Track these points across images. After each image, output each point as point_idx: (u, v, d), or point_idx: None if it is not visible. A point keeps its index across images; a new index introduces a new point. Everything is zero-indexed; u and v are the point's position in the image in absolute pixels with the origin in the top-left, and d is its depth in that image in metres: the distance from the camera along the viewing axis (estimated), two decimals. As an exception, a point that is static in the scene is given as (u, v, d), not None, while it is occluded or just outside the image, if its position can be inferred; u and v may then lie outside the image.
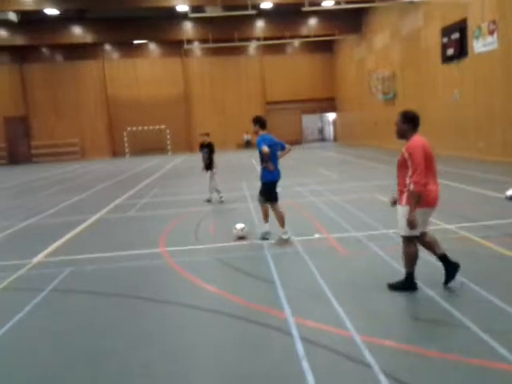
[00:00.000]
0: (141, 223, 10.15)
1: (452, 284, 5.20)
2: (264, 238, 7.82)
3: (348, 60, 36.75)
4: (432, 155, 5.00)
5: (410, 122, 5.00)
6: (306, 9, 24.14)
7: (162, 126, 39.40)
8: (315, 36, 33.32)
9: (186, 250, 7.59)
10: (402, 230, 5.03)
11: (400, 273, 5.40)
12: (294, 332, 4.34)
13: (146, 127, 39.17)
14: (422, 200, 4.83)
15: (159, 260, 7.09)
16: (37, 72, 38.25)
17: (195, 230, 8.99)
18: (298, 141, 41.12)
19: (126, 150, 38.98)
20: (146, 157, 36.14)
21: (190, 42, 34.86)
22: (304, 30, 33.16)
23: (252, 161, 25.04)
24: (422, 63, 23.51)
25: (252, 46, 39.39)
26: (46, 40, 32.53)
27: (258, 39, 35.02)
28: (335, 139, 43.16)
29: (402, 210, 4.97)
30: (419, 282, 5.20)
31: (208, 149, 12.27)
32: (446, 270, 5.18)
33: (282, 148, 7.96)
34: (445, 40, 20.92)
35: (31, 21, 28.46)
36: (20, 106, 38.40)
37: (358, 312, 4.71)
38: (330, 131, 46.42)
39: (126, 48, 38.54)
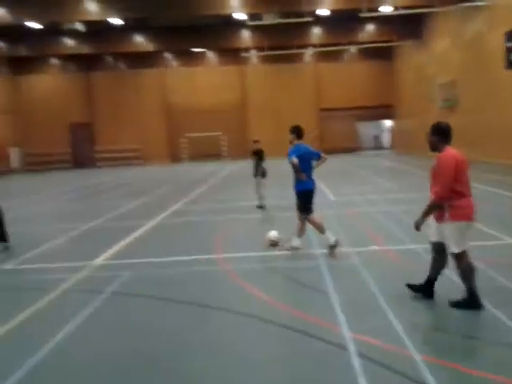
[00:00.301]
0: (197, 229, 10.33)
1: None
2: (292, 249, 7.62)
3: (406, 66, 35.92)
4: (466, 168, 4.91)
5: (440, 134, 4.93)
6: (364, 15, 23.85)
7: (219, 133, 39.99)
8: (372, 42, 32.84)
9: (241, 256, 7.63)
10: (454, 247, 4.87)
11: (462, 289, 5.19)
12: (350, 347, 4.24)
13: (203, 134, 39.90)
14: (463, 213, 4.79)
15: (215, 266, 7.16)
16: (101, 80, 39.93)
17: (250, 237, 9.03)
18: (353, 148, 40.58)
19: (184, 156, 39.84)
20: (203, 162, 36.78)
21: (247, 49, 35.26)
22: (361, 36, 32.75)
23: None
24: (485, 69, 22.61)
25: (308, 53, 39.32)
26: (110, 49, 33.90)
27: (314, 46, 34.92)
28: (392, 147, 42.23)
29: (449, 228, 4.84)
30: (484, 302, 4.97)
31: (257, 156, 12.29)
32: (424, 290, 5.23)
33: (318, 157, 7.86)
34: (509, 44, 20.02)
35: (97, 30, 29.76)
36: (85, 113, 40.18)
37: (417, 328, 4.56)
38: (386, 139, 45.50)
39: (186, 56, 39.48)
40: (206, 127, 39.90)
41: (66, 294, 6.24)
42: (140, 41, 32.57)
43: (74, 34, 29.29)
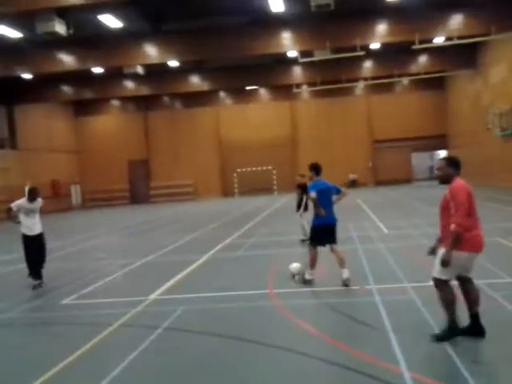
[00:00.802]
0: (249, 263, 10.32)
1: None
2: (304, 282, 7.86)
3: (461, 95, 35.14)
4: (474, 199, 5.00)
5: (453, 166, 5.10)
6: (417, 47, 23.67)
7: (269, 167, 40.33)
8: (425, 73, 32.44)
9: (294, 292, 7.53)
10: (436, 271, 5.00)
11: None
12: (411, 389, 4.06)
13: (254, 168, 40.36)
14: (466, 244, 4.82)
15: (268, 302, 7.10)
16: (158, 119, 41.54)
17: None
18: (407, 179, 39.74)
19: (235, 190, 40.35)
20: (253, 196, 37.05)
21: (298, 85, 35.73)
22: (413, 68, 32.46)
23: (357, 201, 24.54)
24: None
25: (359, 86, 39.34)
26: (167, 89, 35.31)
27: (366, 79, 34.90)
28: (447, 178, 40.98)
29: (442, 252, 4.92)
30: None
31: (301, 189, 12.30)
32: (471, 330, 5.04)
33: (338, 192, 8.09)
34: None
35: (155, 72, 31.13)
36: (142, 150, 41.76)
37: (479, 371, 4.29)
38: (441, 169, 44.22)
39: (239, 94, 40.47)
40: (257, 162, 40.38)
41: (122, 329, 6.35)
42: (195, 81, 33.75)
43: (133, 76, 30.78)
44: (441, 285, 5.01)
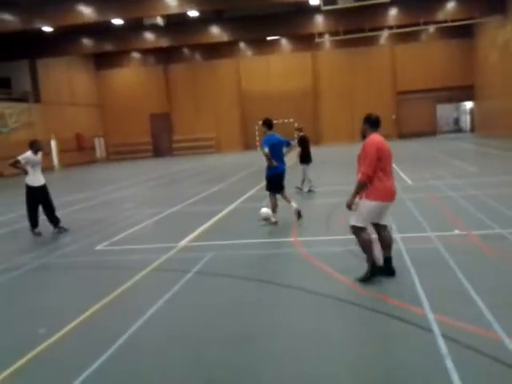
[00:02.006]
0: (274, 214, 10.50)
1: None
2: (270, 223, 8.86)
3: (490, 44, 33.85)
4: (389, 154, 5.44)
5: (368, 123, 5.58)
6: (445, -8, 22.73)
7: (291, 120, 40.00)
8: (452, 21, 31.23)
9: (318, 240, 7.71)
10: (352, 219, 5.50)
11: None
12: (435, 329, 4.21)
13: (275, 120, 39.97)
14: (376, 193, 5.31)
15: (292, 249, 7.31)
16: (179, 71, 41.21)
17: (326, 221, 9.08)
18: (431, 132, 39.08)
19: (257, 144, 40.26)
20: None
21: (320, 34, 34.84)
22: (440, 15, 31.26)
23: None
24: None
25: (383, 36, 38.17)
26: (187, 41, 34.83)
27: (390, 28, 33.83)
28: (472, 130, 40.18)
29: (362, 204, 5.41)
30: None
31: (303, 143, 13.15)
32: (385, 270, 5.60)
33: (288, 145, 9.21)
34: None
35: (175, 23, 30.69)
36: (164, 104, 41.72)
37: (506, 314, 4.43)
38: (466, 121, 43.31)
39: (259, 45, 39.72)
40: (278, 114, 39.95)
41: (154, 273, 6.64)
42: (215, 32, 33.17)
43: (153, 28, 30.42)
44: (358, 231, 5.49)
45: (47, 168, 32.73)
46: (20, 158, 9.73)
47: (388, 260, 5.65)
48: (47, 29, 27.94)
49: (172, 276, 6.40)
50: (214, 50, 39.14)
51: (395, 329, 4.37)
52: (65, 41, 32.21)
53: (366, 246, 5.52)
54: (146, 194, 16.19)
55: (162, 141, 42.28)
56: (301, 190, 13.07)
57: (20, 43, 30.97)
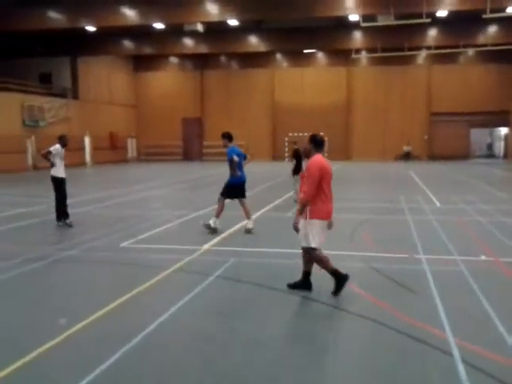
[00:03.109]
0: (298, 225, 10.52)
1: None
2: (208, 228, 9.14)
3: (531, 70, 33.21)
4: (329, 174, 5.68)
5: (313, 143, 5.76)
6: (488, 16, 22.45)
7: (321, 133, 39.74)
8: (493, 45, 30.78)
9: (341, 254, 7.66)
10: (303, 241, 5.66)
11: None
12: (455, 353, 4.16)
13: (305, 133, 40.04)
14: (319, 212, 5.54)
15: (315, 262, 7.29)
16: (213, 78, 41.66)
17: (350, 237, 9.05)
18: (463, 156, 38.42)
19: (286, 155, 40.30)
20: (303, 162, 36.91)
21: (357, 50, 34.81)
22: (480, 39, 30.86)
23: (410, 173, 24.10)
24: None
25: (421, 55, 37.85)
26: (224, 49, 35.23)
27: (429, 48, 33.53)
28: (505, 156, 39.34)
29: (303, 223, 5.59)
30: None
31: (297, 156, 13.77)
32: (303, 284, 5.85)
33: (245, 158, 9.74)
34: None
35: (214, 31, 31.09)
36: (197, 109, 42.20)
37: (528, 343, 4.35)
38: (500, 147, 42.45)
39: (296, 57, 39.86)
40: (309, 127, 39.90)
41: (177, 274, 6.73)
42: (253, 41, 33.48)
43: (192, 34, 30.89)
44: (311, 252, 5.67)
45: (79, 164, 33.48)
46: (52, 149, 10.11)
47: (308, 274, 5.90)
48: (90, 28, 28.67)
49: (193, 278, 6.48)
50: (250, 59, 39.46)
51: (415, 349, 4.32)
52: (106, 41, 32.99)
53: (323, 263, 5.73)
54: (174, 196, 16.40)
55: (192, 145, 42.71)
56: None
57: (63, 40, 31.86)
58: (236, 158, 9.32)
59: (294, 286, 5.89)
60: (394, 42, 31.28)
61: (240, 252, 7.82)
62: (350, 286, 6.04)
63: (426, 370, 3.94)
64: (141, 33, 31.91)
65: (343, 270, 6.66)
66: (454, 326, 4.73)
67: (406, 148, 38.47)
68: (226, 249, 8.07)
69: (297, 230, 5.70)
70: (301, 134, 40.06)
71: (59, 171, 10.18)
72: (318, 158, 5.68)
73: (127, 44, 33.94)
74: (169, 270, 6.82)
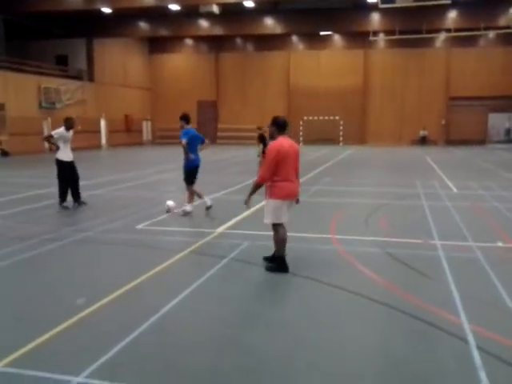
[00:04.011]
0: (312, 208, 10.49)
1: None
2: (184, 214, 9.34)
3: (553, 53, 32.43)
4: (291, 156, 5.80)
5: (275, 126, 5.88)
6: (510, -3, 21.90)
7: (337, 117, 39.63)
8: (516, 27, 30.11)
9: (356, 239, 7.66)
10: (265, 218, 5.94)
11: None
12: (470, 339, 4.14)
13: (320, 117, 39.80)
14: (275, 193, 5.76)
15: (329, 246, 7.29)
16: (229, 61, 41.43)
17: (365, 221, 9.00)
18: (481, 140, 37.89)
19: (301, 139, 40.13)
20: (318, 146, 36.75)
21: (375, 33, 34.28)
22: (502, 21, 30.17)
23: (427, 158, 23.84)
24: None
25: (440, 38, 37.14)
26: (240, 31, 34.98)
27: (448, 30, 32.88)
28: (525, 142, 38.72)
29: (266, 204, 5.91)
30: None
31: (260, 140, 14.70)
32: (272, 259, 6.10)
33: (202, 142, 9.63)
34: None
35: (229, 12, 30.83)
36: (212, 92, 42.08)
37: (545, 331, 4.30)
38: (519, 132, 41.65)
39: (312, 39, 39.42)
40: (325, 111, 39.72)
41: (191, 256, 6.78)
42: (269, 23, 33.15)
43: (208, 15, 30.67)
44: (276, 227, 5.93)
45: (95, 146, 33.72)
46: (53, 132, 10.26)
47: (283, 257, 6.02)
48: (106, 10, 28.61)
49: (208, 260, 6.52)
50: (266, 41, 39.13)
51: (429, 335, 4.30)
52: (122, 23, 32.94)
53: (279, 242, 5.95)
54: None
55: (207, 128, 42.63)
56: None
57: (78, 22, 31.89)
58: (184, 142, 9.15)
59: (274, 269, 6.01)
60: (412, 24, 30.76)
61: (254, 235, 7.84)
62: (365, 271, 6.03)
63: (440, 356, 3.93)
64: (156, 14, 31.79)
65: (358, 255, 6.69)
66: (469, 312, 4.70)
67: (422, 132, 38.03)
68: (240, 232, 8.09)
69: (246, 205, 6.08)
70: (316, 118, 39.87)
71: (62, 155, 10.26)
72: (277, 142, 5.82)
73: (143, 26, 33.85)
74: (183, 252, 6.87)
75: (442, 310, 4.77)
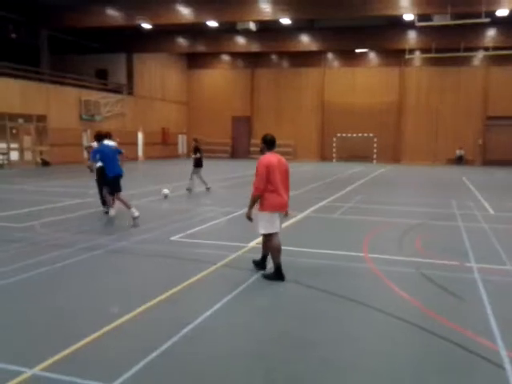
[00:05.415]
0: (344, 226, 10.45)
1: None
2: (135, 221, 9.74)
3: None
4: (281, 170, 6.28)
5: (264, 143, 6.43)
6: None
7: (371, 135, 39.34)
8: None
9: (390, 259, 7.57)
10: (260, 229, 6.36)
11: None
12: (508, 366, 4.04)
13: (354, 134, 39.60)
14: (267, 205, 6.20)
15: (362, 264, 7.23)
16: (264, 77, 41.81)
17: (399, 241, 8.89)
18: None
19: (334, 155, 39.99)
20: (351, 163, 36.52)
21: (411, 50, 34.06)
22: (543, 39, 29.54)
23: (463, 178, 23.37)
24: None
25: (478, 56, 36.56)
26: (276, 47, 35.36)
27: (486, 49, 32.36)
28: None
29: (259, 215, 6.30)
30: None
31: (197, 151, 15.85)
32: (261, 264, 6.63)
33: (120, 153, 10.51)
34: None
35: (266, 29, 31.23)
36: (246, 107, 42.48)
37: None
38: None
39: (347, 56, 39.44)
40: (358, 128, 39.50)
41: (223, 270, 6.84)
42: (305, 40, 33.40)
43: (245, 32, 31.15)
44: (269, 236, 6.32)
45: (132, 158, 34.44)
46: (93, 144, 11.23)
47: (278, 266, 6.31)
48: (146, 26, 29.41)
49: (240, 274, 6.57)
50: (301, 58, 39.36)
51: (464, 360, 4.21)
52: (161, 38, 33.78)
53: (273, 251, 6.31)
54: (222, 193, 16.59)
55: (240, 143, 43.06)
56: (209, 188, 15.91)
57: (119, 37, 32.87)
58: (90, 164, 10.78)
59: (272, 277, 6.32)
60: (449, 42, 30.45)
61: (285, 251, 7.83)
62: (399, 292, 5.96)
63: (475, 383, 3.84)
64: (194, 31, 32.48)
65: (391, 275, 6.61)
66: (506, 337, 4.59)
67: (458, 152, 37.34)
68: (273, 247, 8.10)
69: (249, 219, 6.44)
70: (349, 135, 39.69)
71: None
72: (265, 157, 6.31)
73: (181, 42, 34.61)
74: (216, 265, 6.95)
75: (478, 335, 4.67)
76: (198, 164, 15.76)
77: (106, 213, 10.85)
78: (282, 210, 6.36)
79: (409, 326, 4.94)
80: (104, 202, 11.08)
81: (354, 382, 3.81)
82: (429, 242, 9.01)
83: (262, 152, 6.50)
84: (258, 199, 6.29)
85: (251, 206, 6.39)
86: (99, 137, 10.60)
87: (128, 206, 9.93)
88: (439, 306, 5.53)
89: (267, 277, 6.34)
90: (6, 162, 26.06)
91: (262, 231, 6.36)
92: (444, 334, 4.68)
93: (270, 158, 6.29)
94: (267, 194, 6.21)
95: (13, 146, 26.76)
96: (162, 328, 4.75)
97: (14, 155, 26.98)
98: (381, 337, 4.72)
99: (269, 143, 6.44)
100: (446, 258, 7.60)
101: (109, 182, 10.20)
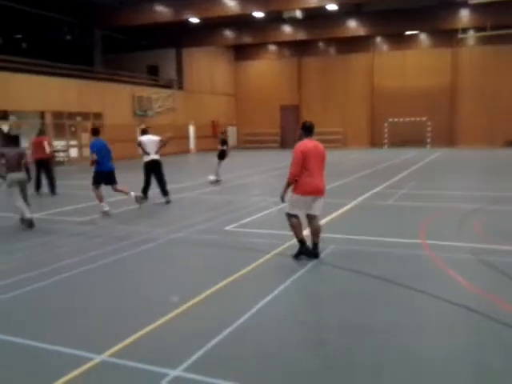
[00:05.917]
0: (399, 213, 10.29)
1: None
2: (104, 213, 10.26)
3: None
4: (314, 155, 6.45)
5: (303, 129, 6.67)
6: None
7: (423, 118, 38.20)
8: None
9: (448, 245, 7.41)
10: (287, 208, 6.70)
11: None
12: None
13: (406, 119, 38.56)
14: (300, 189, 6.45)
15: (419, 251, 7.12)
16: (311, 65, 41.40)
17: (458, 227, 8.67)
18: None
19: (385, 141, 39.15)
20: (404, 149, 35.63)
21: (463, 30, 32.67)
22: None
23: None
24: None
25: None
26: (323, 34, 34.88)
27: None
28: None
29: (291, 196, 6.61)
30: None
31: (224, 143, 16.25)
32: (312, 253, 6.69)
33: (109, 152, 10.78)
34: None
35: (312, 17, 30.88)
36: (294, 96, 42.25)
37: None
38: None
39: (396, 39, 38.37)
40: (410, 112, 38.40)
41: (277, 258, 6.93)
42: (352, 26, 32.77)
43: (291, 21, 30.94)
44: (290, 216, 6.63)
45: (184, 151, 35.13)
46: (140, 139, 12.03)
47: (315, 245, 6.67)
48: (194, 20, 29.79)
49: (293, 263, 6.64)
50: (349, 44, 38.65)
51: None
52: (208, 32, 34.09)
53: (293, 228, 6.66)
54: (272, 182, 16.68)
55: (289, 132, 42.93)
56: (219, 181, 15.78)
57: (167, 33, 33.42)
58: (94, 157, 10.44)
59: (298, 254, 6.69)
60: (505, 19, 28.93)
61: (339, 239, 7.85)
62: (456, 277, 5.85)
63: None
64: (240, 22, 32.55)
65: (451, 262, 6.49)
66: None
67: (518, 133, 35.64)
68: (325, 236, 8.06)
69: (282, 200, 6.71)
70: (401, 120, 38.69)
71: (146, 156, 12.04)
72: (302, 143, 6.52)
73: (228, 34, 34.81)
74: (270, 254, 7.05)
75: (544, 321, 4.53)
76: (221, 156, 16.12)
77: (168, 202, 11.59)
78: (317, 194, 6.56)
79: (470, 312, 4.85)
80: (145, 192, 11.82)
81: (413, 370, 3.81)
82: (488, 227, 8.75)
83: (300, 138, 6.68)
84: (292, 183, 6.52)
85: (285, 189, 6.63)
86: (95, 131, 11.09)
87: (101, 200, 10.52)
88: (500, 292, 5.39)
89: (295, 256, 6.68)
90: (66, 159, 27.21)
91: (287, 210, 6.71)
92: (506, 321, 4.57)
93: (307, 143, 6.51)
94: (302, 178, 6.44)
95: (72, 143, 27.90)
96: (219, 317, 4.87)
97: (74, 152, 28.12)
98: (442, 323, 4.67)
99: (307, 130, 6.64)
100: (506, 243, 7.36)
101: (99, 176, 10.65)
